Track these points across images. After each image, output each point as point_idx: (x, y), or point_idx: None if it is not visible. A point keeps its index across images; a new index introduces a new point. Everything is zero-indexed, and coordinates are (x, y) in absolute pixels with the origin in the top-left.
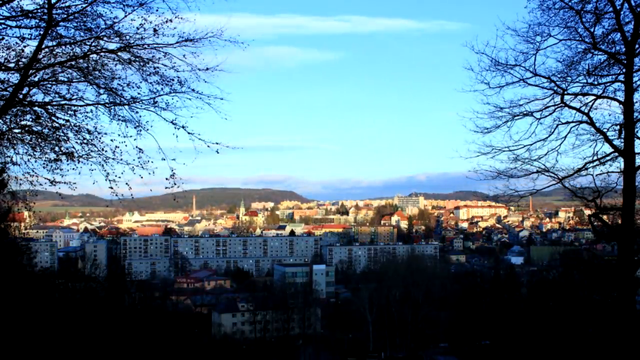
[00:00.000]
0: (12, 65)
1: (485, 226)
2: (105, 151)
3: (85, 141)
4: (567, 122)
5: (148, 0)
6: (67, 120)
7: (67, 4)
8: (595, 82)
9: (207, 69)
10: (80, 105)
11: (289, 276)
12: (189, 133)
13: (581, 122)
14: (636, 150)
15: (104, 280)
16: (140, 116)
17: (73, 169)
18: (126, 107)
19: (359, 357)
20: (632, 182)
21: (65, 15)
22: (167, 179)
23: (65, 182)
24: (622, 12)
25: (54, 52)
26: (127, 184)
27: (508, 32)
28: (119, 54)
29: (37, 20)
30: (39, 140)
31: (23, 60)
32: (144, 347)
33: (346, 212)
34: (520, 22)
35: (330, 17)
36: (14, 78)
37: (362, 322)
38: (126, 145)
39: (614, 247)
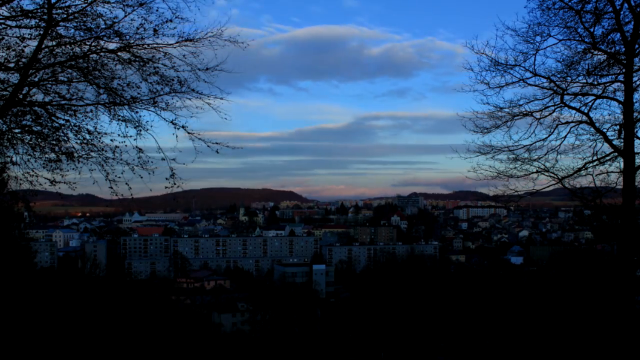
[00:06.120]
0: (12, 65)
1: (485, 226)
2: (105, 151)
3: (85, 141)
4: (567, 122)
5: (148, 0)
6: (67, 120)
7: (67, 4)
8: (595, 82)
9: (207, 69)
10: (80, 105)
11: (289, 276)
12: (189, 133)
13: (581, 122)
14: (636, 150)
15: (103, 280)
16: (140, 116)
17: (73, 169)
18: (126, 107)
19: (359, 357)
20: (632, 182)
21: (65, 15)
22: (167, 179)
23: (65, 182)
24: (621, 12)
25: (54, 52)
26: (127, 184)
27: (508, 32)
28: (119, 54)
29: (37, 20)
30: (39, 140)
31: (23, 60)
32: (144, 347)
33: (346, 212)
34: (520, 22)
35: None
36: (14, 78)
37: (362, 322)
38: (126, 145)
39: (614, 247)
